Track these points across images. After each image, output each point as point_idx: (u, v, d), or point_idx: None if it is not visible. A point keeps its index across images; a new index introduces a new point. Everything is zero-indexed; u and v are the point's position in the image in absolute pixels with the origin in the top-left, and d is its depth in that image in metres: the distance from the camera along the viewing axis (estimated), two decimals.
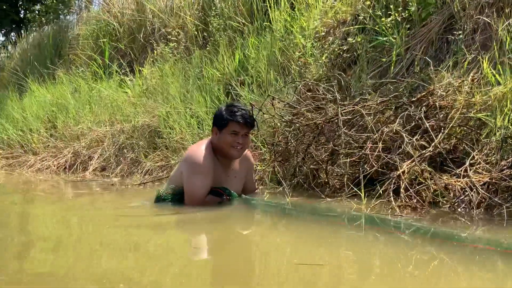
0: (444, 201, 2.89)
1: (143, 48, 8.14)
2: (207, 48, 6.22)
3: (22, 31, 14.12)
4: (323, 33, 4.92)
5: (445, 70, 3.81)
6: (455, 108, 3.29)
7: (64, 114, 7.25)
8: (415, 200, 2.87)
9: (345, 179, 3.39)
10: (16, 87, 9.97)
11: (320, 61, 4.75)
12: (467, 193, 2.82)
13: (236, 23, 6.09)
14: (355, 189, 3.14)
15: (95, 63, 8.17)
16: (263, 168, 4.10)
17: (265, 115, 3.98)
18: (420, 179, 2.97)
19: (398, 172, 3.02)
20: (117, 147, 5.89)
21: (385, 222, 2.55)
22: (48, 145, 7.08)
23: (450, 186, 2.92)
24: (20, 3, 15.44)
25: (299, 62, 4.88)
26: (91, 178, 5.40)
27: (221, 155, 3.16)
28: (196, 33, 6.85)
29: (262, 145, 4.30)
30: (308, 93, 4.22)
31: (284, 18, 5.39)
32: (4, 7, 14.83)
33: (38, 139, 7.27)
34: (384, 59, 4.44)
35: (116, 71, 7.50)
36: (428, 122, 3.26)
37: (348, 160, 3.48)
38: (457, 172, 2.96)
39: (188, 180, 3.06)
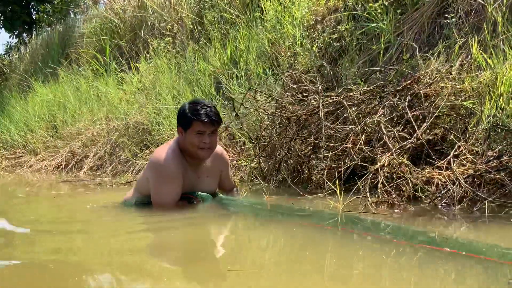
0: (424, 197, 2.69)
1: (143, 44, 8.06)
2: (200, 42, 6.08)
3: (33, 32, 14.25)
4: (313, 22, 4.73)
5: (435, 56, 3.59)
6: (441, 96, 3.08)
7: (63, 113, 7.22)
8: (393, 196, 2.68)
9: (325, 174, 3.21)
10: (24, 87, 10.03)
11: (309, 52, 4.57)
12: (449, 187, 2.62)
13: (229, 15, 5.93)
14: (332, 186, 2.96)
15: (96, 61, 8.13)
16: (247, 163, 3.95)
17: (246, 108, 3.82)
18: (400, 173, 2.77)
19: (376, 166, 2.83)
20: (111, 146, 5.81)
21: (357, 221, 2.36)
22: (48, 145, 7.07)
23: (432, 180, 2.72)
24: (32, 3, 15.56)
25: (288, 53, 4.70)
26: (83, 178, 5.33)
27: (189, 156, 2.95)
28: (191, 26, 6.72)
29: (246, 140, 4.14)
30: (294, 85, 4.04)
31: (275, 8, 5.20)
32: (16, 8, 14.97)
33: (38, 139, 7.26)
34: (374, 47, 4.22)
35: (115, 69, 7.43)
36: (411, 112, 3.06)
37: (330, 154, 3.30)
38: (440, 164, 2.75)
39: (155, 189, 2.87)
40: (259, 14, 5.37)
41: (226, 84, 4.97)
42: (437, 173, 2.73)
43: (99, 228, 2.66)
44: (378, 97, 3.40)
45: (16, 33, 16.01)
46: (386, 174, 2.80)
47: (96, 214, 3.09)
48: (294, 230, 2.39)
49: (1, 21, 15.82)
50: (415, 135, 2.92)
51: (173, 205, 2.86)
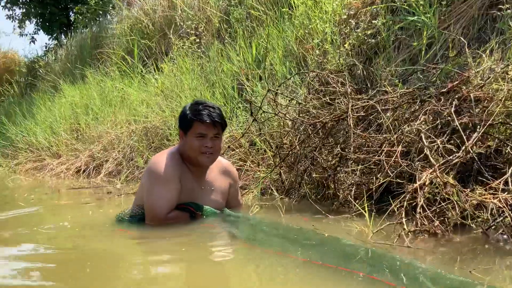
0: (475, 225, 2.16)
1: (169, 45, 7.77)
2: (226, 41, 5.68)
3: (70, 33, 14.33)
4: (345, 16, 4.23)
5: (487, 53, 3.04)
6: (495, 101, 2.54)
7: (87, 115, 6.99)
8: (435, 224, 2.17)
9: (353, 191, 2.72)
10: (54, 89, 9.97)
11: (340, 50, 4.07)
12: (506, 214, 2.08)
13: (256, 12, 5.51)
14: (359, 207, 2.47)
15: (123, 62, 7.91)
16: (266, 174, 3.50)
17: (265, 112, 3.37)
18: (444, 195, 2.25)
19: (415, 185, 2.32)
20: (129, 150, 5.50)
21: (386, 261, 1.81)
22: (70, 148, 6.85)
23: (485, 204, 2.19)
24: (70, 5, 15.69)
25: (316, 51, 4.22)
26: (94, 185, 5.02)
27: (191, 164, 2.61)
28: (218, 25, 6.35)
29: (267, 148, 3.69)
30: (321, 87, 3.57)
31: (304, 2, 4.74)
32: (54, 10, 15.12)
33: (62, 141, 7.07)
34: (415, 43, 3.69)
35: (141, 70, 7.16)
36: (459, 119, 2.53)
37: (359, 167, 2.81)
38: (495, 185, 2.22)
39: (147, 192, 2.54)
40: (287, 9, 4.93)
41: (249, 86, 4.54)
42: (491, 195, 2.20)
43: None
44: (418, 100, 2.88)
45: (54, 35, 16.19)
46: (427, 195, 2.29)
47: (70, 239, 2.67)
48: (300, 271, 1.87)
49: (40, 23, 16.04)
50: (463, 148, 2.39)
51: (165, 210, 2.50)
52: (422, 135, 2.50)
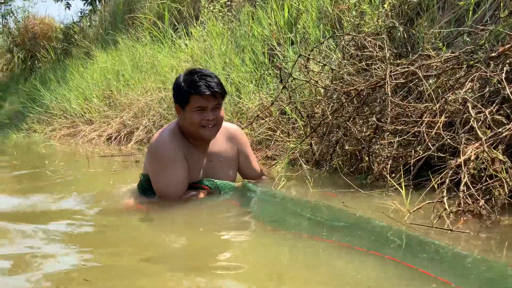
0: None
1: (200, 9, 7.55)
2: (257, 3, 5.42)
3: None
4: None
5: None
6: None
7: (118, 82, 6.94)
8: (480, 204, 1.95)
9: (388, 165, 2.52)
10: (87, 56, 9.98)
11: (380, 10, 3.77)
12: None
13: None
14: (394, 183, 2.27)
15: (154, 27, 7.77)
16: (296, 145, 3.32)
17: (296, 80, 3.16)
18: (491, 171, 2.02)
19: (459, 160, 2.10)
20: (159, 118, 5.41)
21: (422, 246, 1.61)
22: (102, 115, 6.85)
23: None
24: None
25: (353, 12, 3.92)
26: (125, 152, 4.97)
27: (193, 138, 2.44)
28: None
29: (298, 118, 3.50)
30: (356, 51, 3.31)
31: None
32: None
33: (94, 108, 7.07)
34: (461, 2, 3.35)
35: (171, 35, 7.00)
36: (510, 87, 2.26)
37: (396, 139, 2.59)
38: None
39: (155, 178, 2.41)
40: None
41: (280, 51, 4.31)
42: None
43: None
44: (465, 66, 2.60)
45: (89, 1, 16.16)
46: (472, 172, 2.06)
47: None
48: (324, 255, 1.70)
49: None
50: None
51: (180, 194, 2.38)
52: (469, 104, 2.25)
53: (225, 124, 2.57)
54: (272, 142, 3.75)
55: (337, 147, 3.09)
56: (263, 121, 3.89)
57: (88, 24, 14.44)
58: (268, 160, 3.61)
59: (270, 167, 3.32)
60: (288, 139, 3.48)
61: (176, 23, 7.36)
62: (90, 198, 2.75)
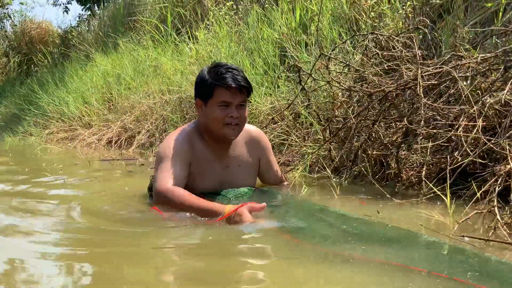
0: None
1: (204, 12, 7.39)
2: (266, 6, 5.25)
3: (103, 3, 14.11)
4: None
5: None
6: None
7: (119, 85, 6.73)
8: None
9: (423, 172, 2.32)
10: (86, 59, 9.77)
11: (400, 12, 3.60)
12: None
13: None
14: (435, 189, 2.07)
15: (156, 31, 7.59)
16: (313, 150, 3.12)
17: (316, 81, 2.97)
18: None
19: (508, 166, 1.90)
20: (162, 122, 5.20)
21: (488, 262, 1.40)
22: (102, 119, 6.63)
23: None
24: None
25: (372, 14, 3.75)
26: (127, 156, 4.75)
27: (213, 138, 2.24)
28: None
29: (314, 121, 3.31)
30: (380, 51, 3.13)
31: None
32: None
33: (93, 111, 6.85)
34: (489, 4, 3.19)
35: (175, 39, 6.81)
36: None
37: (430, 144, 2.40)
38: None
39: (154, 172, 2.20)
40: None
41: (293, 53, 4.13)
42: None
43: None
44: (503, 67, 2.42)
45: (87, 6, 15.99)
46: None
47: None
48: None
49: None
50: None
51: (170, 190, 2.02)
52: None
53: (246, 126, 2.37)
54: (286, 147, 3.55)
55: (360, 153, 2.89)
56: (275, 125, 3.70)
57: (87, 28, 14.27)
58: (281, 166, 3.40)
59: (286, 173, 3.11)
60: (304, 144, 3.28)
61: (180, 27, 7.18)
62: (95, 203, 2.52)
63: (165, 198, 2.02)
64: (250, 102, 4.13)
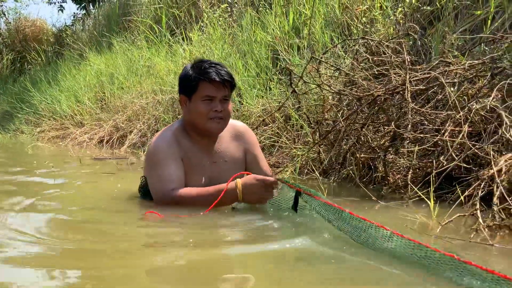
0: None
1: (199, 13, 7.41)
2: (260, 9, 5.29)
3: (98, 3, 14.10)
4: None
5: None
6: None
7: (112, 84, 6.73)
8: None
9: (409, 175, 2.35)
10: (80, 58, 9.76)
11: (391, 18, 3.65)
12: None
13: None
14: (420, 193, 2.11)
15: (150, 31, 7.61)
16: (303, 152, 3.15)
17: (307, 83, 3.00)
18: None
19: (492, 172, 1.94)
20: (155, 121, 5.21)
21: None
22: (94, 118, 6.63)
23: None
24: None
25: (363, 19, 3.80)
26: (118, 155, 4.76)
27: (198, 134, 2.25)
28: None
29: (304, 123, 3.34)
30: (371, 56, 3.17)
31: None
32: None
33: (86, 110, 6.84)
34: (478, 12, 3.25)
35: (169, 39, 6.83)
36: None
37: (416, 148, 2.44)
38: None
39: (149, 180, 2.23)
40: None
41: (285, 56, 4.16)
42: None
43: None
44: (489, 74, 2.46)
45: (83, 5, 15.96)
46: (505, 185, 1.91)
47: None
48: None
49: None
50: None
51: (170, 194, 2.10)
52: (502, 112, 2.10)
53: (231, 121, 2.39)
54: (276, 149, 3.58)
55: (348, 155, 2.93)
56: (265, 127, 3.73)
57: (81, 28, 14.25)
58: (272, 167, 3.43)
59: (276, 175, 3.14)
60: (294, 146, 3.31)
61: (175, 28, 7.20)
62: (86, 201, 2.53)
63: (176, 204, 2.08)
64: (242, 104, 4.16)
